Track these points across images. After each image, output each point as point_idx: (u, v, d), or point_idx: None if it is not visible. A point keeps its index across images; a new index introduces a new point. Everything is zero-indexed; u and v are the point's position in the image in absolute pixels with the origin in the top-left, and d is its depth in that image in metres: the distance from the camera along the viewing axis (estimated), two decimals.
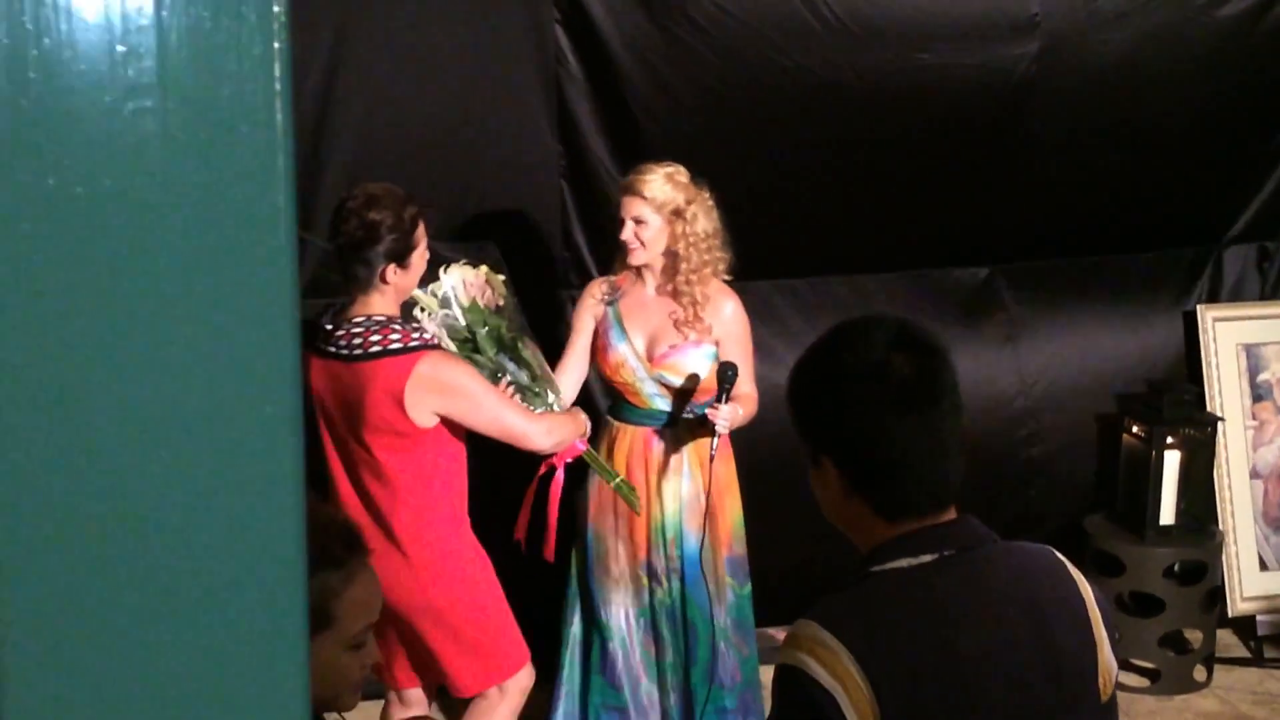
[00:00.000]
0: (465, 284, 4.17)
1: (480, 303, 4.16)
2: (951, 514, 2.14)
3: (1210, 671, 5.70)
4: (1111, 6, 5.41)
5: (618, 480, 4.42)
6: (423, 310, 4.11)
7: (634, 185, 4.37)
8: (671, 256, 4.38)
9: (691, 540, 4.40)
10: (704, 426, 4.29)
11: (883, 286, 5.64)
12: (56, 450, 0.96)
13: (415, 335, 3.83)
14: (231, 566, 1.00)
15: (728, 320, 4.42)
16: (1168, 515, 5.56)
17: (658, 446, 4.46)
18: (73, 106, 0.94)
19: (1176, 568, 5.64)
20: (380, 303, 3.87)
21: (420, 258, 3.91)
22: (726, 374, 4.25)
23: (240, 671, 1.01)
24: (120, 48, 0.94)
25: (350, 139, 4.93)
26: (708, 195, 4.40)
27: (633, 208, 4.35)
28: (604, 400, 4.82)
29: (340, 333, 3.86)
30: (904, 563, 2.09)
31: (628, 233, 4.36)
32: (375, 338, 3.81)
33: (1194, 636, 5.73)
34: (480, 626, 4.14)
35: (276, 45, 0.95)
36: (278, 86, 0.95)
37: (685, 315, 4.39)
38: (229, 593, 1.00)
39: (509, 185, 5.14)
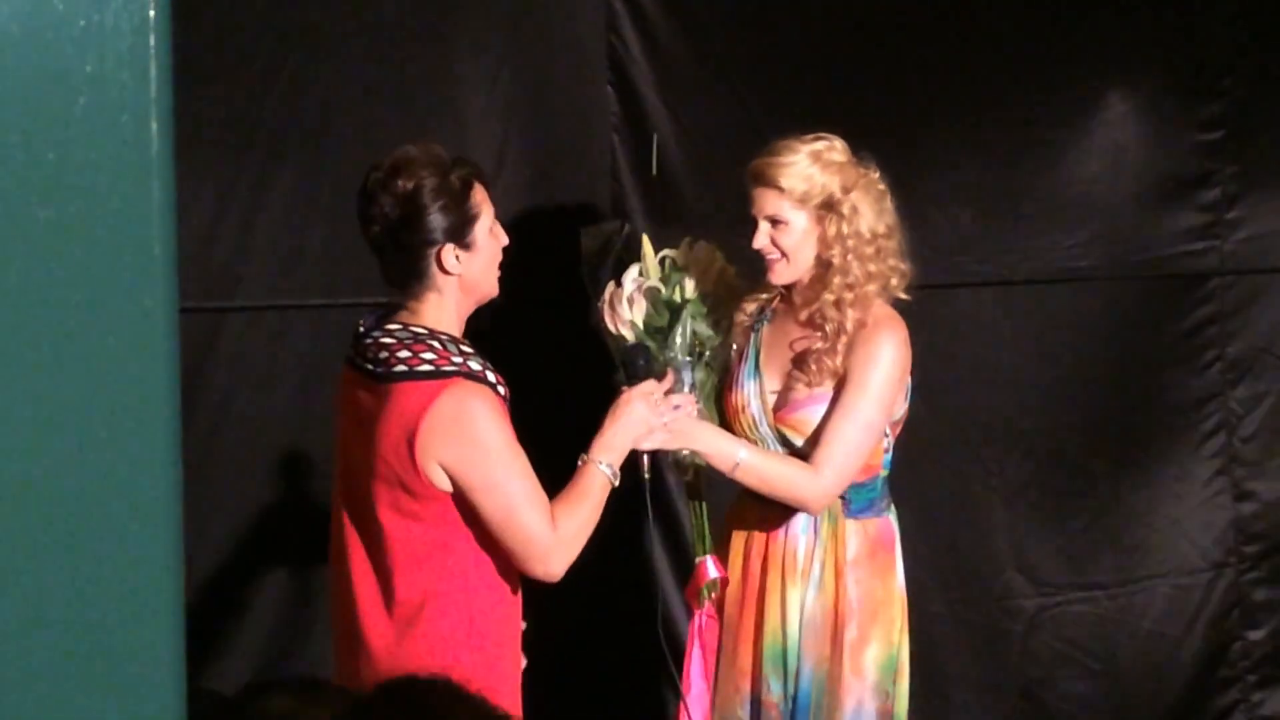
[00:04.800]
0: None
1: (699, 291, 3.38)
2: None
3: None
4: None
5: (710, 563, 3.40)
6: (640, 273, 3.34)
7: (765, 172, 3.30)
8: (823, 266, 3.32)
9: (806, 673, 3.35)
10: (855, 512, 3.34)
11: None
12: None
13: (457, 360, 2.97)
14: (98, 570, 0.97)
15: (869, 354, 3.30)
16: None
17: (783, 537, 3.37)
18: None
19: None
20: (434, 310, 3.04)
21: (488, 236, 3.05)
22: (635, 359, 3.23)
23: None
24: None
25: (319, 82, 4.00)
26: (877, 176, 3.36)
27: (765, 203, 3.30)
28: None
29: (369, 341, 3.05)
30: None
31: (762, 239, 3.31)
32: (404, 354, 2.97)
33: None
34: None
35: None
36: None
37: (820, 351, 3.31)
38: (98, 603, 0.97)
39: (545, 137, 4.29)
